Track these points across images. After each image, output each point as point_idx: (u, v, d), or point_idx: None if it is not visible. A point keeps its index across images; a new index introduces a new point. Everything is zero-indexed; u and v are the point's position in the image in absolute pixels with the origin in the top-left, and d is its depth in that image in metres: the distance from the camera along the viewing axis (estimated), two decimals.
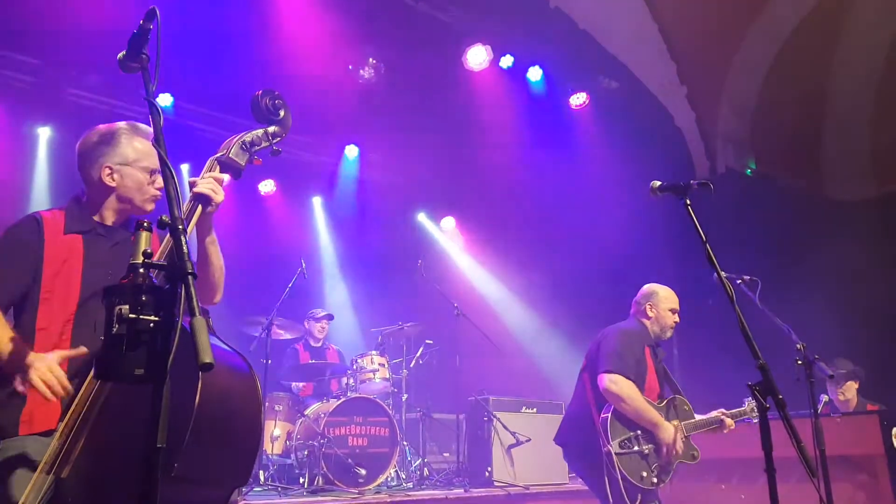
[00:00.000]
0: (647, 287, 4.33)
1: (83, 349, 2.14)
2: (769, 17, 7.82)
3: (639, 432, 3.86)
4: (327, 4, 6.85)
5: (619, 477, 3.72)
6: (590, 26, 7.78)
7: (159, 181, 2.46)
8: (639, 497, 3.78)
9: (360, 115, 8.21)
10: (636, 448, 3.82)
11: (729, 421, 4.19)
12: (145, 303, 1.48)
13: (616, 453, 3.74)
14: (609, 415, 3.83)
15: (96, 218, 2.45)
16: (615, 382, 3.81)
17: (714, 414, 4.18)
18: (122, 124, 2.51)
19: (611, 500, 3.73)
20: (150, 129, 2.43)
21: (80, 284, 2.30)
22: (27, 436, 2.15)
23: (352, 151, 9.37)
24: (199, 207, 2.22)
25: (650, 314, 4.20)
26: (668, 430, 3.89)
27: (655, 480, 3.85)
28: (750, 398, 4.34)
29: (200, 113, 7.89)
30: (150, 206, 2.50)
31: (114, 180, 2.43)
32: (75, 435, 1.94)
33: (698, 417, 4.15)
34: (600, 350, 4.00)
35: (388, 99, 7.95)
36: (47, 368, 2.02)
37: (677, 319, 4.25)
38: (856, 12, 7.72)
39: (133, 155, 2.45)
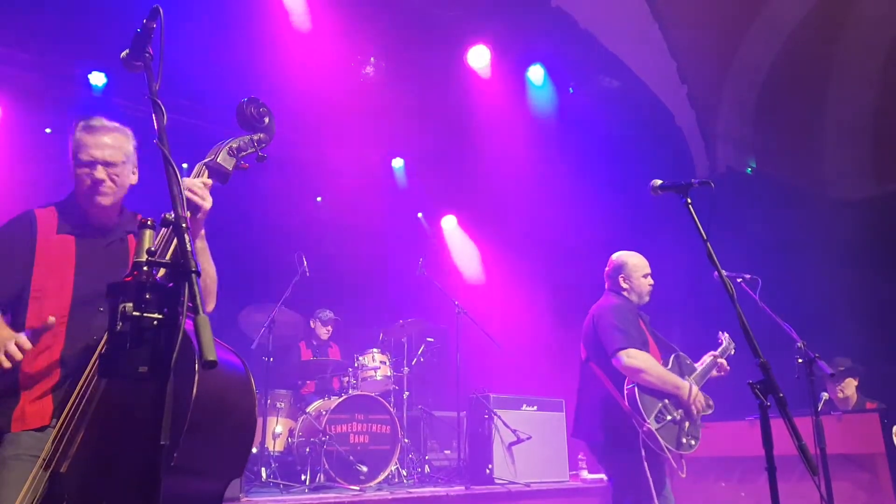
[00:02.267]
0: (615, 259, 4.26)
1: (52, 319, 2.15)
2: (769, 16, 7.83)
3: (666, 401, 3.79)
4: (329, 3, 6.86)
5: (665, 449, 3.66)
6: (591, 25, 7.79)
7: (99, 173, 2.39)
8: (684, 464, 3.76)
9: (361, 113, 8.21)
10: (669, 417, 3.76)
11: (721, 361, 4.15)
12: (149, 301, 1.49)
13: (656, 429, 3.67)
14: (634, 391, 3.73)
15: (89, 217, 2.45)
16: (632, 356, 3.74)
17: (707, 360, 4.14)
18: (80, 120, 2.47)
19: (650, 478, 3.62)
20: (101, 122, 2.42)
21: (73, 286, 2.31)
22: (21, 432, 2.17)
23: (353, 149, 9.36)
24: (188, 213, 2.23)
25: (624, 286, 4.14)
26: (689, 387, 3.85)
27: (694, 443, 3.82)
28: (723, 332, 4.33)
29: (201, 110, 7.89)
30: (96, 200, 2.42)
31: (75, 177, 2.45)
32: (73, 430, 1.95)
33: (698, 367, 4.11)
34: (599, 333, 3.92)
35: (389, 97, 7.94)
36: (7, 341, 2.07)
37: (652, 282, 4.19)
38: (856, 11, 7.72)
39: (73, 148, 2.42)
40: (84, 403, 1.97)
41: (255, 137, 2.47)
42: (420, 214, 10.15)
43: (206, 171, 2.33)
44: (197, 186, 2.25)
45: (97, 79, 7.34)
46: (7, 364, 2.05)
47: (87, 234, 2.42)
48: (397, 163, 9.94)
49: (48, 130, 7.25)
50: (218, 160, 2.36)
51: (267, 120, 2.49)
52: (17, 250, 2.31)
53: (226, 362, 2.02)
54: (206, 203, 2.27)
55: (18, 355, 2.05)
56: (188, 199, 2.21)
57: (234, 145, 2.42)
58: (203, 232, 2.41)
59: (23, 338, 2.07)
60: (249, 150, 2.45)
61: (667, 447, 3.68)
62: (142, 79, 1.88)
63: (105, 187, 2.41)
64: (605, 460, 4.04)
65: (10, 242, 2.33)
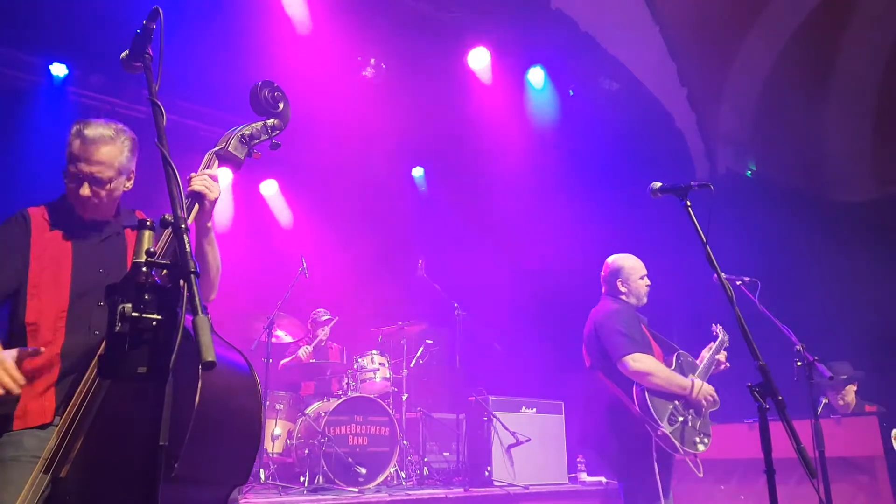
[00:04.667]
0: (611, 263, 4.24)
1: (41, 349, 2.15)
2: (770, 18, 7.83)
3: (676, 402, 3.78)
4: (330, 5, 6.86)
5: (681, 451, 3.66)
6: (591, 28, 7.78)
7: (84, 190, 2.32)
8: (699, 464, 3.76)
9: (361, 115, 8.22)
10: (681, 419, 3.76)
11: (720, 355, 4.16)
12: (148, 301, 1.48)
13: (670, 432, 3.67)
14: (644, 395, 3.71)
15: (84, 214, 2.42)
16: (637, 360, 3.73)
17: (707, 356, 4.14)
18: (77, 123, 2.39)
19: (659, 480, 3.61)
20: (97, 132, 2.33)
21: (70, 280, 2.30)
22: (23, 430, 2.15)
23: (354, 151, 9.36)
24: (196, 206, 2.22)
25: (622, 289, 4.13)
26: (695, 385, 3.84)
27: (707, 441, 3.83)
28: (716, 324, 4.32)
29: (200, 112, 7.90)
30: (84, 213, 2.39)
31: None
32: (74, 434, 1.94)
33: (699, 364, 4.10)
34: (602, 340, 3.91)
35: (389, 99, 7.95)
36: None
37: (649, 283, 4.18)
38: (857, 12, 7.72)
39: (66, 155, 2.35)
40: (84, 406, 1.95)
41: (269, 124, 2.40)
42: (421, 214, 10.12)
43: (217, 161, 2.31)
44: (202, 177, 2.23)
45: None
46: None
47: (83, 231, 2.41)
48: (396, 162, 9.93)
49: None
50: (229, 148, 2.32)
51: (282, 105, 2.42)
52: (13, 248, 2.31)
53: (231, 364, 1.98)
54: (212, 193, 2.25)
55: (16, 389, 2.02)
56: (194, 190, 2.21)
57: (247, 132, 2.36)
58: (213, 223, 2.37)
59: (13, 368, 2.04)
60: (262, 138, 2.39)
61: (681, 448, 3.68)
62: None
63: (90, 203, 2.36)
64: (618, 467, 4.01)
65: (4, 241, 2.33)
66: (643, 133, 8.38)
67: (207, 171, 2.27)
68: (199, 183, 2.22)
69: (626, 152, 8.23)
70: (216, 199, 2.28)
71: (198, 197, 2.22)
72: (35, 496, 1.91)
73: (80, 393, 1.98)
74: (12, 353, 2.09)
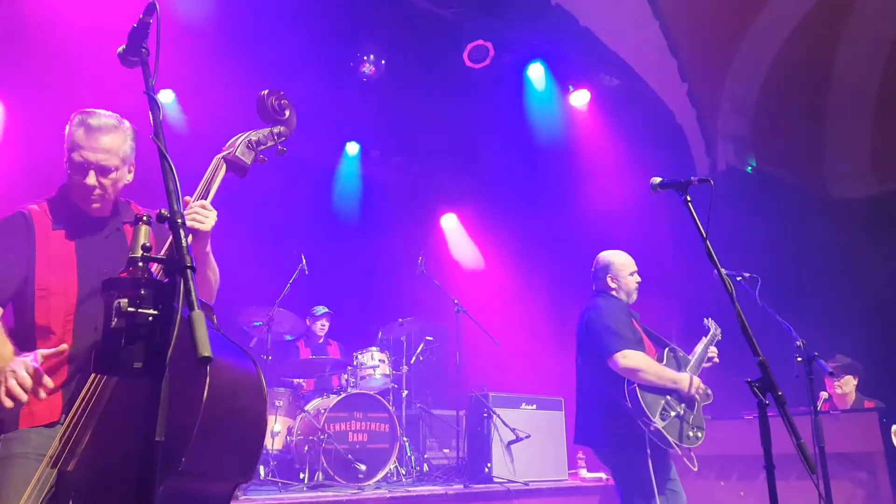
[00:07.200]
0: (601, 258, 4.24)
1: (64, 346, 2.12)
2: (770, 14, 7.81)
3: (668, 397, 3.78)
4: (329, 1, 6.84)
5: (675, 445, 3.66)
6: (591, 23, 7.76)
7: (90, 179, 2.30)
8: (694, 458, 3.77)
9: (360, 112, 8.20)
10: (673, 413, 3.75)
11: (712, 349, 4.15)
12: (144, 296, 1.47)
13: (662, 427, 3.66)
14: (636, 391, 3.71)
15: (83, 212, 2.39)
16: (628, 357, 3.73)
17: (699, 350, 4.13)
18: (79, 113, 2.36)
19: (653, 476, 3.61)
20: (100, 120, 2.32)
21: (77, 281, 2.28)
22: (29, 429, 2.15)
23: (352, 148, 9.35)
24: (190, 235, 2.19)
25: (613, 285, 4.13)
26: (687, 379, 3.84)
27: (700, 434, 3.83)
28: (709, 318, 4.32)
29: (199, 110, 7.88)
30: (87, 206, 2.37)
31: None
32: (81, 429, 1.93)
33: (691, 358, 4.09)
34: (592, 337, 3.91)
35: (388, 95, 7.93)
36: (14, 371, 1.98)
37: (639, 279, 4.18)
38: (857, 10, 7.70)
39: (68, 143, 2.32)
40: (93, 402, 1.95)
41: (275, 130, 2.44)
42: (420, 211, 10.11)
43: (224, 165, 2.31)
44: (192, 213, 2.20)
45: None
46: (9, 404, 1.96)
47: (84, 229, 2.38)
48: (396, 160, 9.93)
49: None
50: (236, 154, 2.33)
51: (287, 113, 2.46)
52: (15, 248, 2.28)
53: (236, 360, 1.99)
54: (206, 225, 2.23)
55: (23, 397, 1.97)
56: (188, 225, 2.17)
57: (254, 138, 2.38)
58: (209, 246, 2.36)
59: (30, 367, 2.00)
60: (269, 144, 2.42)
61: (675, 443, 3.68)
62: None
63: (95, 194, 2.34)
64: (612, 463, 4.00)
65: (5, 241, 2.29)
66: (643, 128, 8.36)
67: (198, 204, 2.22)
68: (189, 220, 2.17)
69: (625, 147, 8.21)
70: (209, 231, 2.26)
71: (191, 230, 2.19)
72: (42, 491, 1.91)
73: (89, 388, 1.98)
74: (41, 353, 2.08)
